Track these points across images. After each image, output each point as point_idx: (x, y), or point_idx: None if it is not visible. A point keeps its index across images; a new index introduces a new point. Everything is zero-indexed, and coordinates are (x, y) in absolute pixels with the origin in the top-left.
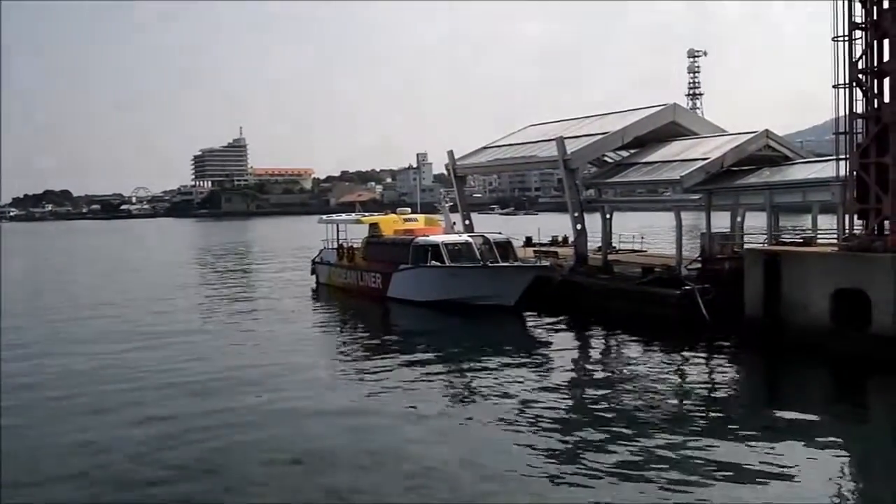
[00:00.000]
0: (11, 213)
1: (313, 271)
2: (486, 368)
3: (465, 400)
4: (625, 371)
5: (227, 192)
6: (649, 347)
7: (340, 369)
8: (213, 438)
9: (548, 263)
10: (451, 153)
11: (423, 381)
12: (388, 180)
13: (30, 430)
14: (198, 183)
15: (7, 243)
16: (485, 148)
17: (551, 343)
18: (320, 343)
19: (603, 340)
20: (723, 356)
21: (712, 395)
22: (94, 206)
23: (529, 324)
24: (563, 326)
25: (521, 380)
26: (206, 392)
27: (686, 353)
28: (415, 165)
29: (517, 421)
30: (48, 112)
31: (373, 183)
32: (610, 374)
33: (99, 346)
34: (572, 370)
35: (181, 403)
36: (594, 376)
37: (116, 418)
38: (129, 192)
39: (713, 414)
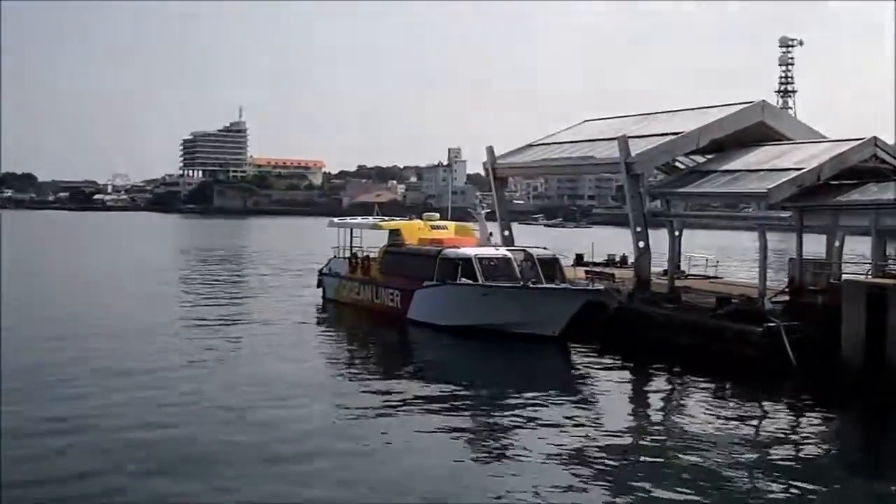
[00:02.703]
0: None
1: (320, 284)
2: (519, 413)
3: (493, 452)
4: (689, 424)
5: (221, 184)
6: (721, 395)
7: (343, 412)
8: None
9: (601, 287)
10: (490, 150)
11: (443, 426)
12: (413, 179)
13: None
14: (186, 172)
15: None
16: (530, 146)
17: (601, 384)
18: (322, 376)
19: (664, 384)
20: (812, 409)
21: (799, 457)
22: (63, 195)
23: (576, 359)
24: (617, 364)
25: (562, 429)
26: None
27: (767, 404)
28: (445, 163)
29: (556, 481)
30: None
31: (394, 181)
32: (670, 427)
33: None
34: (625, 419)
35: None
36: (650, 429)
37: None
38: (105, 179)
39: (799, 483)
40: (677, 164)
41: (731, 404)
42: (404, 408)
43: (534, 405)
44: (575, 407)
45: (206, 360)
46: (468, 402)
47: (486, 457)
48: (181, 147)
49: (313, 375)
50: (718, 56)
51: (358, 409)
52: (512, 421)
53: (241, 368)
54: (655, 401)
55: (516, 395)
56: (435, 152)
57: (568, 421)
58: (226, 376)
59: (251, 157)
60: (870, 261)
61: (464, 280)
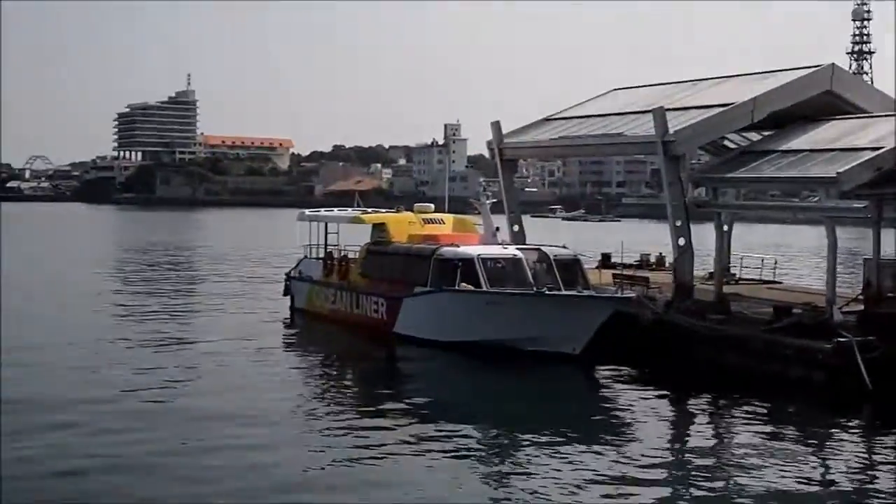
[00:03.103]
0: None
1: (287, 291)
2: (534, 456)
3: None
4: (741, 461)
5: (166, 168)
6: (780, 426)
7: (317, 459)
8: None
9: (633, 295)
10: (496, 126)
11: (440, 474)
12: (402, 162)
13: None
14: (123, 154)
15: None
16: (546, 120)
17: (633, 416)
18: (288, 412)
19: (710, 413)
20: (893, 441)
21: (875, 501)
22: None
23: (602, 383)
24: (652, 390)
25: (585, 471)
26: None
27: (836, 436)
28: (441, 142)
29: None
30: None
31: (378, 165)
32: (718, 466)
33: None
34: (662, 457)
35: None
36: (693, 470)
37: None
38: (22, 162)
39: None
40: (727, 142)
41: (793, 439)
42: (391, 449)
43: (551, 445)
44: (603, 447)
45: (139, 395)
46: (470, 442)
47: None
48: (115, 123)
49: (278, 411)
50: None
51: (335, 454)
52: (527, 468)
53: (187, 403)
54: (700, 437)
55: (529, 434)
56: (428, 129)
57: (591, 462)
58: (164, 419)
59: (202, 135)
60: None
61: (464, 285)
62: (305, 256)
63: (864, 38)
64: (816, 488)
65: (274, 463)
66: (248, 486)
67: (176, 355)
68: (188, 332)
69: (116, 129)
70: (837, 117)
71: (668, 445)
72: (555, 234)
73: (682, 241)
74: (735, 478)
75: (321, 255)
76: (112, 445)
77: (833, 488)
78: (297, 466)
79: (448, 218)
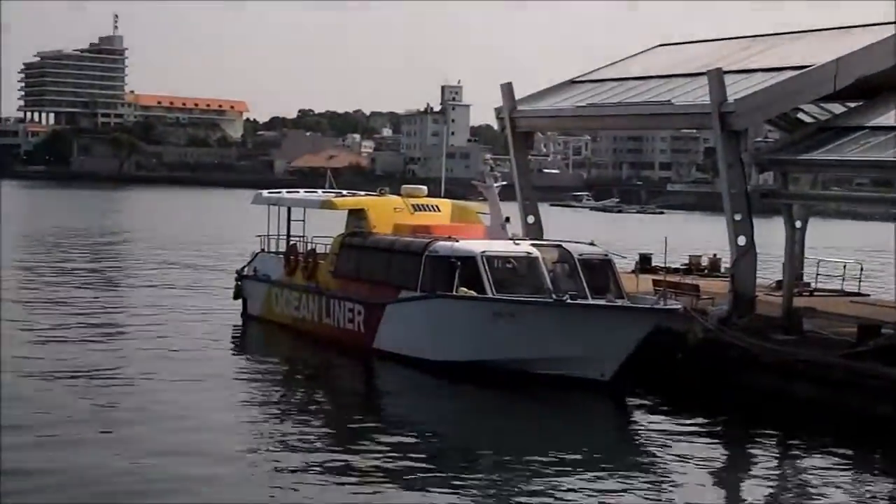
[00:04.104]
0: None
1: (238, 293)
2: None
3: None
4: None
5: (85, 135)
6: (863, 476)
7: None
8: None
9: (679, 306)
10: (507, 89)
11: None
12: (386, 132)
13: None
14: (30, 116)
15: None
16: (572, 83)
17: (674, 458)
18: (239, 458)
19: (775, 459)
20: None
21: None
22: None
23: (636, 418)
24: (701, 427)
25: None
26: None
27: None
28: (437, 108)
29: None
30: None
31: (356, 136)
32: None
33: None
34: None
35: None
36: None
37: None
38: None
39: None
40: (801, 116)
41: (882, 489)
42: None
43: (572, 495)
44: (636, 494)
45: (57, 432)
46: (464, 488)
47: None
48: (21, 76)
49: (227, 455)
50: None
51: None
52: None
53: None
54: (762, 486)
55: (544, 483)
56: (421, 92)
57: None
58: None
59: (132, 93)
60: None
61: (464, 290)
62: (262, 250)
63: None
64: None
65: None
66: None
67: (90, 387)
68: (108, 353)
69: (22, 85)
70: None
71: (723, 498)
72: (580, 228)
73: (742, 241)
74: None
75: (282, 248)
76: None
77: None
78: None
79: (445, 204)
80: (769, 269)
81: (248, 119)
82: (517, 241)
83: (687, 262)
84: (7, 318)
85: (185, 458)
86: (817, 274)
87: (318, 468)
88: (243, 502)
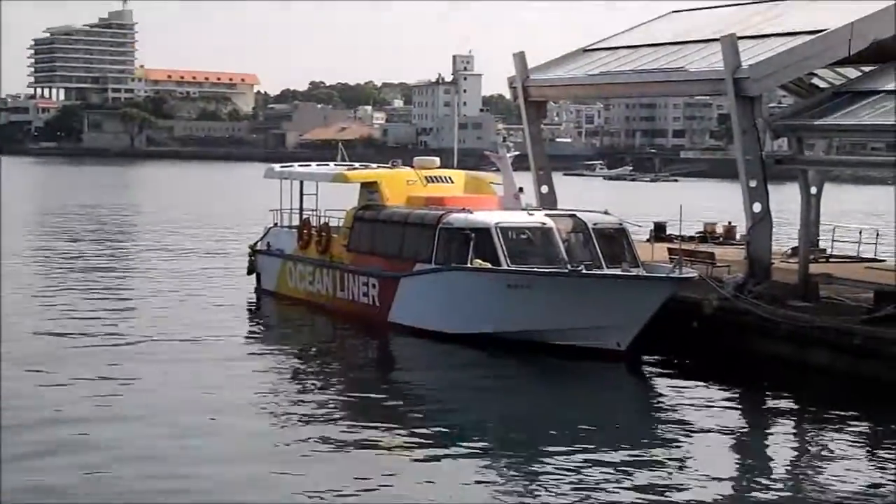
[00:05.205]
0: None
1: (252, 268)
2: (570, 480)
3: None
4: (835, 495)
5: (95, 111)
6: (882, 444)
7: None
8: None
9: (694, 275)
10: (520, 58)
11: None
12: (398, 104)
13: None
14: (41, 92)
15: None
16: (585, 51)
17: (692, 428)
18: (257, 435)
19: (794, 428)
20: None
21: None
22: None
23: (653, 388)
24: (719, 396)
25: None
26: None
27: None
28: (448, 79)
29: None
30: None
31: (368, 108)
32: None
33: None
34: (740, 489)
35: None
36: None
37: None
38: None
39: None
40: (816, 80)
41: None
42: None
43: (591, 469)
44: (656, 473)
45: (61, 423)
46: (483, 466)
47: None
48: (31, 53)
49: (245, 432)
50: None
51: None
52: (554, 495)
53: (124, 431)
54: (780, 456)
55: (560, 452)
56: (432, 63)
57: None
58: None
59: (142, 67)
60: None
61: (478, 262)
62: (275, 224)
63: None
64: None
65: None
66: None
67: (106, 364)
68: (122, 329)
69: (32, 62)
70: None
71: (743, 470)
72: (594, 197)
73: (757, 207)
74: None
75: (295, 222)
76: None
77: None
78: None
79: (458, 175)
80: (785, 236)
81: (258, 92)
82: (531, 212)
83: (702, 229)
84: (19, 295)
85: (202, 438)
86: (833, 240)
87: (332, 443)
88: (257, 476)
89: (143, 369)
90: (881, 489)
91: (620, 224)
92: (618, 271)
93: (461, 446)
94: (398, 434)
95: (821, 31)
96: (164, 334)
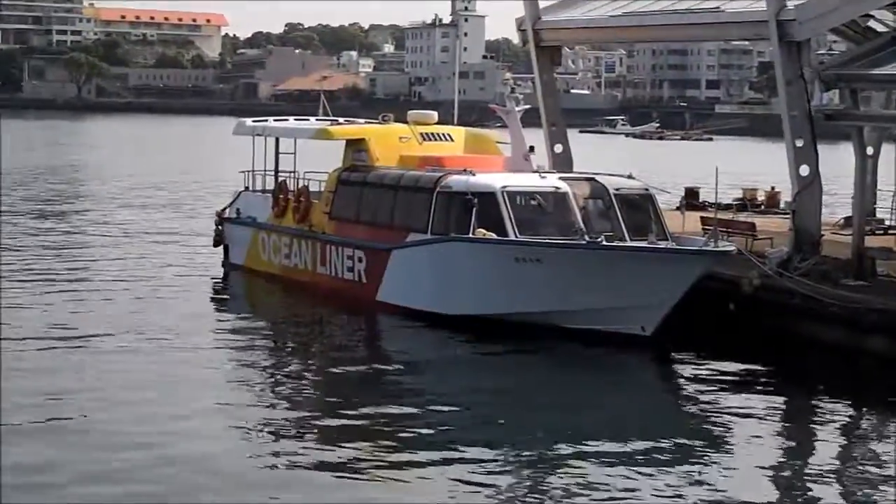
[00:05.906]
0: None
1: (219, 239)
2: (586, 481)
3: None
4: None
5: (38, 56)
6: None
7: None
8: None
9: (732, 248)
10: None
11: None
12: (388, 49)
13: None
14: None
15: None
16: None
17: (727, 425)
18: (226, 433)
19: (844, 425)
20: None
21: None
22: None
23: (682, 378)
24: (760, 388)
25: None
26: None
27: None
28: (447, 19)
29: None
30: None
31: (353, 54)
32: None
33: None
34: (783, 492)
35: None
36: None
37: None
38: None
39: None
40: (872, 23)
41: None
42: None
43: (610, 471)
44: (688, 477)
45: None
46: (486, 470)
47: None
48: None
49: (213, 431)
50: None
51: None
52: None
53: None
54: (828, 458)
55: (581, 454)
56: (427, 2)
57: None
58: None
59: (91, 6)
60: None
61: (482, 232)
62: (246, 188)
63: None
64: None
65: None
66: None
67: (58, 352)
68: (70, 315)
69: None
70: None
71: (788, 476)
72: (616, 158)
73: (804, 171)
74: None
75: (269, 186)
76: None
77: None
78: None
79: (458, 132)
80: (837, 205)
81: (226, 35)
82: (543, 175)
83: (741, 196)
84: None
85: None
86: (892, 209)
87: (312, 443)
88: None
89: (82, 362)
90: None
91: (646, 189)
92: (643, 244)
93: (458, 452)
94: (383, 429)
95: None
96: (115, 317)
